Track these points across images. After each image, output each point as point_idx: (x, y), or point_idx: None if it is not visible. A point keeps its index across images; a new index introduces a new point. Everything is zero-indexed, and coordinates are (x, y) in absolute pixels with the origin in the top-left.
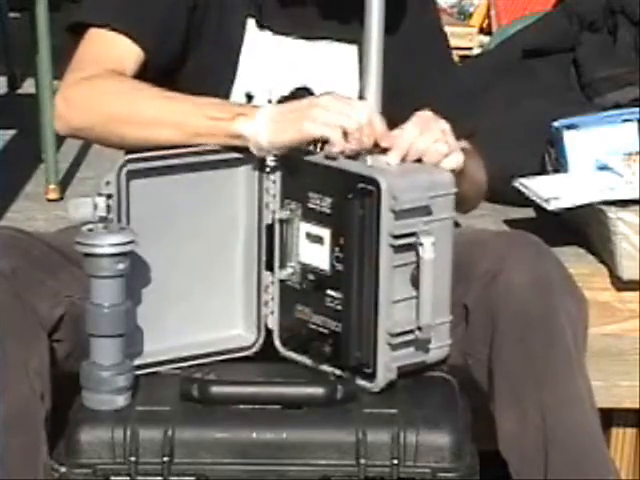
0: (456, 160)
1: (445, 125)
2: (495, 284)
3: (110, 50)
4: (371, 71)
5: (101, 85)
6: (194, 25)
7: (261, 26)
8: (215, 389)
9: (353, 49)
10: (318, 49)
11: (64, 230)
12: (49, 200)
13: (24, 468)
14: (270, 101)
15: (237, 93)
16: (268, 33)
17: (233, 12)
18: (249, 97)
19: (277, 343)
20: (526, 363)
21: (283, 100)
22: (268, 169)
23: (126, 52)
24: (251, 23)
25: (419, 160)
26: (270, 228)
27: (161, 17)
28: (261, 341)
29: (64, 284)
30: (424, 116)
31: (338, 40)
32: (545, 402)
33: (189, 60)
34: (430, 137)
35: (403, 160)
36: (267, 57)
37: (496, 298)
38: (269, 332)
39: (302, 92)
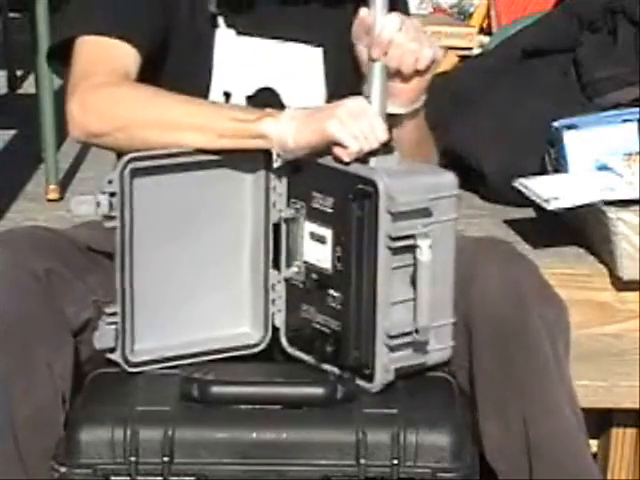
0: (431, 53)
1: (416, 21)
2: (468, 294)
3: (112, 57)
4: (375, 77)
5: (121, 91)
6: (168, 23)
7: (228, 25)
8: (215, 389)
9: (318, 52)
10: (283, 50)
11: (87, 224)
12: (49, 200)
13: (44, 471)
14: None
15: (215, 91)
16: (233, 32)
17: (203, 10)
18: (227, 95)
19: (283, 341)
20: (505, 374)
21: (248, 100)
22: (275, 167)
23: (126, 56)
24: (221, 21)
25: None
26: (277, 227)
27: (145, 16)
28: (267, 339)
29: (91, 287)
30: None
31: (304, 42)
32: (526, 412)
33: (167, 59)
34: (407, 34)
35: (385, 54)
36: (236, 56)
37: (471, 309)
38: (274, 330)
39: (266, 93)
